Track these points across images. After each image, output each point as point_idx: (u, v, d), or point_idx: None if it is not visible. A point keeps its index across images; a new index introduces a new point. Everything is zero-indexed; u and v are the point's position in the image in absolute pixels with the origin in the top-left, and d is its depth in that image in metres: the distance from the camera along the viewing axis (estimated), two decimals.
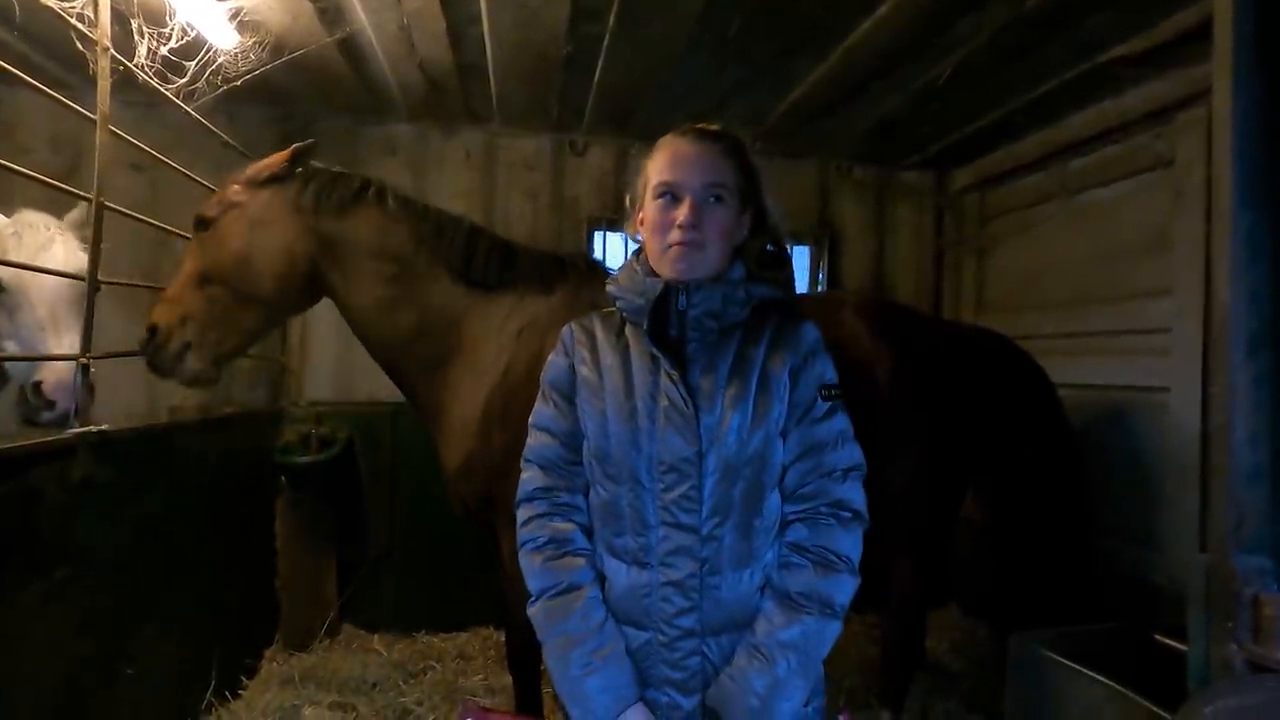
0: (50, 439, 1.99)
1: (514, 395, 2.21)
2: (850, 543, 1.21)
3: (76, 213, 2.64)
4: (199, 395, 3.82)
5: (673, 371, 1.21)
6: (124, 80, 2.33)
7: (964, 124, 3.89)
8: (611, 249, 4.46)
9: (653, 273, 1.28)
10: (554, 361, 1.35)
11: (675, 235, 1.22)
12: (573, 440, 1.30)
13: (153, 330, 2.27)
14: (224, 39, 2.71)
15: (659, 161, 1.27)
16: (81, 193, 2.19)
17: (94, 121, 2.12)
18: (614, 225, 4.39)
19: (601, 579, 1.25)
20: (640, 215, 1.32)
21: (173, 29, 2.48)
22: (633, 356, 1.27)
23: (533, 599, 1.24)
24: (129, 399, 3.70)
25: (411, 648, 3.62)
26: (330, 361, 4.02)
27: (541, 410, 1.34)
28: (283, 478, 3.56)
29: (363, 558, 3.81)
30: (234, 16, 2.63)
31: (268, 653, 3.44)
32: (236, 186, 2.37)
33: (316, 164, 2.45)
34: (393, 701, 3.02)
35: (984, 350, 3.00)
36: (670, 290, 1.24)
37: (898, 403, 2.48)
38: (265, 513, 3.52)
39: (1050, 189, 3.97)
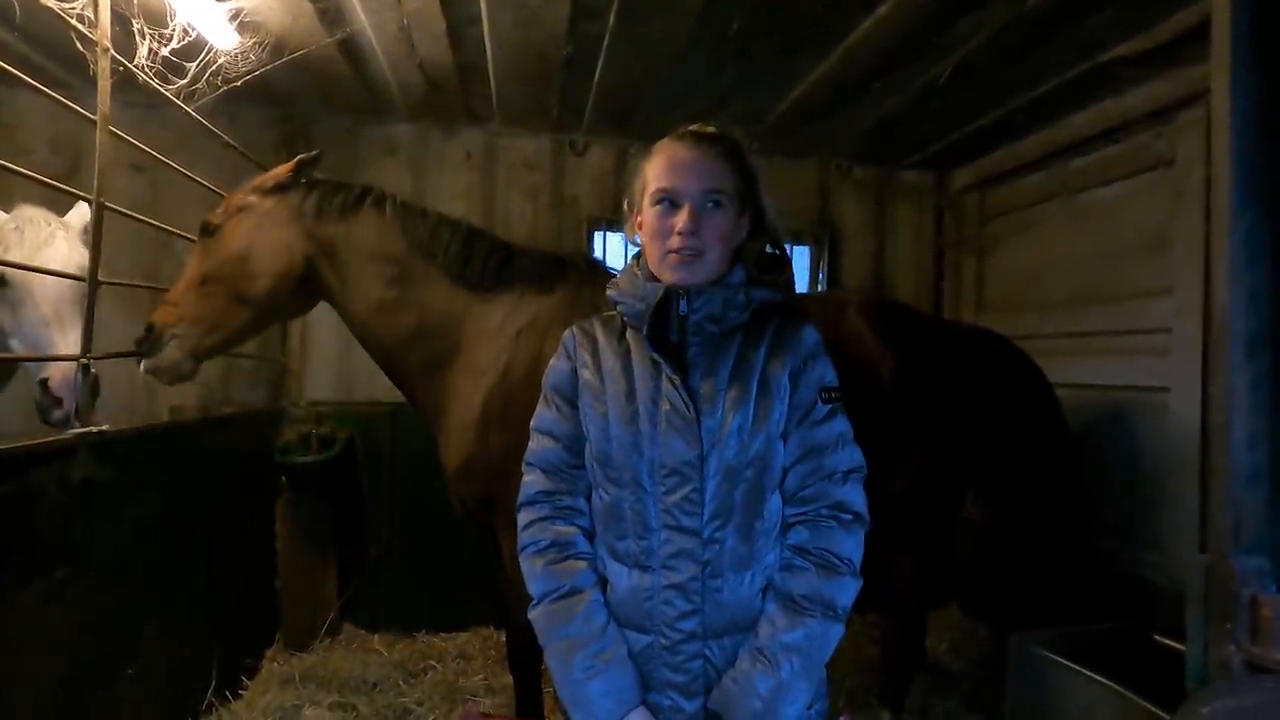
0: (50, 439, 1.99)
1: (513, 396, 2.22)
2: (852, 545, 1.21)
3: (76, 213, 2.64)
4: (200, 395, 3.83)
5: (674, 376, 1.21)
6: (124, 81, 2.33)
7: (964, 123, 3.89)
8: (612, 249, 4.46)
9: (653, 277, 1.28)
10: (556, 365, 1.35)
11: (674, 242, 1.22)
12: (575, 444, 1.30)
13: (149, 328, 2.32)
14: (224, 40, 2.71)
15: (656, 166, 1.27)
16: (82, 193, 2.20)
17: (94, 122, 2.12)
18: (614, 225, 4.39)
19: (603, 583, 1.25)
20: (638, 219, 1.31)
21: (173, 30, 2.48)
22: (634, 360, 1.27)
23: (534, 603, 1.24)
24: (129, 399, 3.71)
25: (412, 648, 3.62)
26: (330, 362, 4.02)
27: (543, 414, 1.34)
28: (283, 478, 3.56)
29: (363, 558, 3.82)
30: (234, 17, 2.63)
31: (268, 653, 3.44)
32: (242, 195, 2.42)
33: (320, 175, 2.49)
34: (393, 701, 3.02)
35: (984, 350, 3.00)
36: (670, 295, 1.24)
37: (900, 402, 2.48)
38: (265, 513, 3.53)
39: (1050, 189, 3.97)
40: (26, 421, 3.18)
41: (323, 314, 2.80)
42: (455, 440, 2.34)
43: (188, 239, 2.85)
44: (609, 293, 1.34)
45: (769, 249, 1.35)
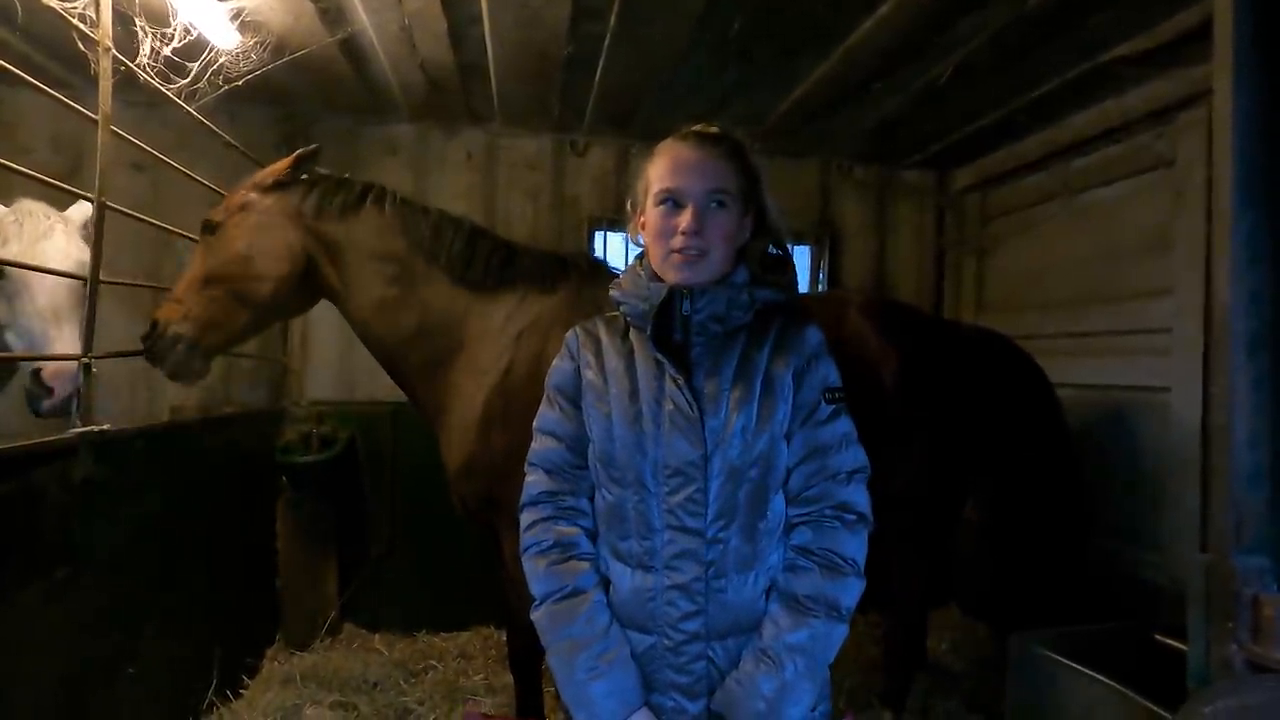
0: (51, 439, 1.99)
1: (515, 396, 2.22)
2: (855, 545, 1.21)
3: (77, 208, 2.64)
4: (200, 395, 3.83)
5: (677, 376, 1.21)
6: (125, 80, 2.33)
7: (965, 123, 3.89)
8: (612, 249, 4.47)
9: (656, 276, 1.27)
10: (559, 365, 1.35)
11: (678, 242, 1.22)
12: (578, 444, 1.30)
13: (153, 325, 2.32)
14: (225, 39, 2.71)
15: (660, 167, 1.26)
16: (83, 193, 2.20)
17: (95, 122, 2.12)
18: (615, 225, 4.39)
19: (606, 583, 1.25)
20: (642, 220, 1.31)
21: (174, 29, 2.48)
22: (637, 360, 1.27)
23: (537, 603, 1.24)
24: (130, 399, 3.71)
25: (412, 647, 3.62)
26: (331, 361, 4.03)
27: (546, 414, 1.34)
28: (284, 477, 3.57)
29: (364, 557, 3.82)
30: (235, 17, 2.63)
31: (269, 652, 3.44)
32: (243, 192, 2.41)
33: (321, 170, 2.48)
34: (394, 701, 3.02)
35: (986, 350, 3.00)
36: (674, 295, 1.24)
37: (902, 402, 2.48)
38: (266, 512, 3.53)
39: (1051, 189, 3.97)
40: (25, 421, 3.19)
41: (324, 313, 2.80)
42: (457, 439, 2.34)
43: (188, 238, 2.85)
44: (612, 293, 1.33)
45: (772, 249, 1.35)
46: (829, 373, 1.27)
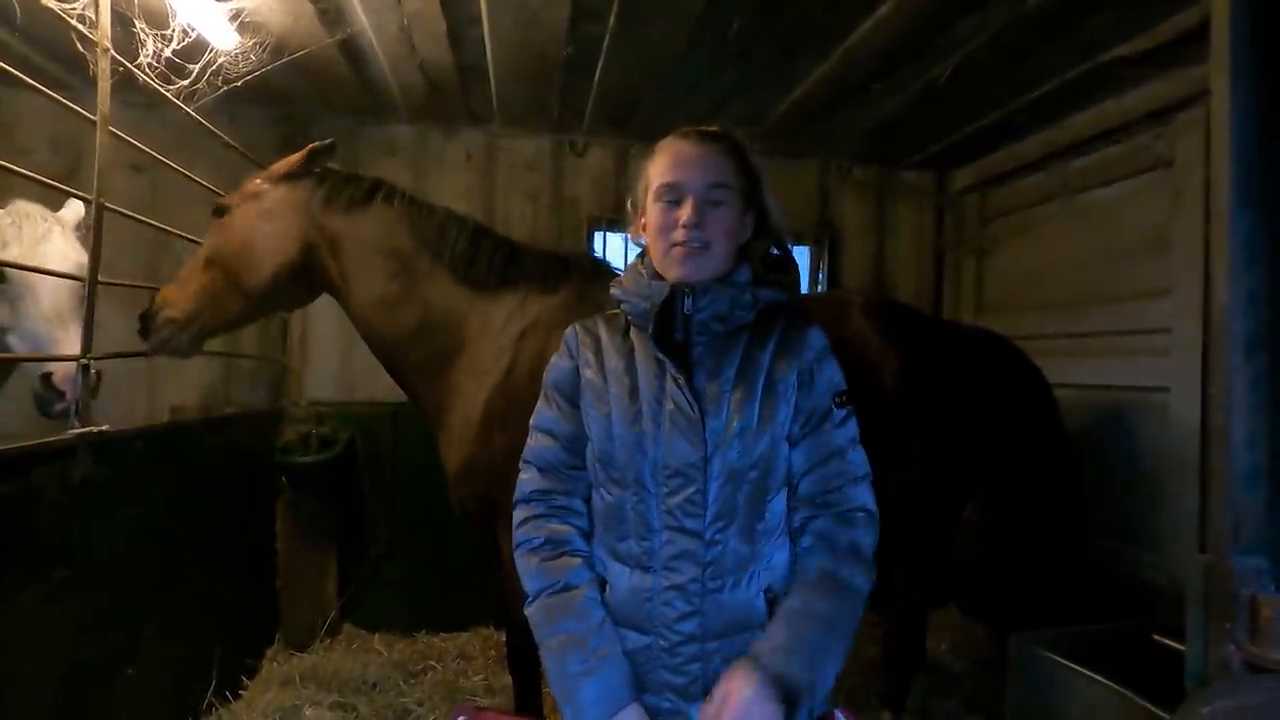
0: (51, 439, 1.99)
1: (517, 396, 2.21)
2: (871, 539, 1.24)
3: (71, 208, 2.65)
4: (200, 395, 3.84)
5: (678, 375, 1.21)
6: (124, 81, 2.33)
7: (964, 124, 3.90)
8: (612, 250, 4.47)
9: (658, 275, 1.27)
10: (557, 363, 1.34)
11: (679, 235, 1.21)
12: (574, 444, 1.29)
13: (151, 302, 2.39)
14: (224, 40, 2.71)
15: (660, 164, 1.26)
16: (82, 194, 2.20)
17: (94, 123, 2.12)
18: (614, 226, 4.39)
19: (601, 582, 1.25)
20: (643, 219, 1.31)
21: (173, 30, 2.48)
22: (638, 360, 1.26)
23: (530, 599, 1.24)
24: (130, 399, 3.71)
25: (412, 648, 3.62)
26: (331, 362, 4.03)
27: (543, 412, 1.33)
28: (283, 478, 3.57)
29: (363, 558, 3.82)
30: (235, 18, 2.63)
31: (268, 653, 3.44)
32: (257, 181, 2.44)
33: (333, 166, 2.52)
34: (393, 701, 3.02)
35: (985, 351, 3.00)
36: (676, 293, 1.23)
37: (903, 403, 2.48)
38: (266, 513, 3.53)
39: (1051, 189, 3.97)
40: (25, 420, 3.19)
41: (323, 314, 2.80)
42: (457, 440, 2.33)
43: (187, 239, 2.86)
44: (613, 291, 1.33)
45: (773, 250, 1.34)
46: (835, 375, 1.27)
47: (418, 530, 3.82)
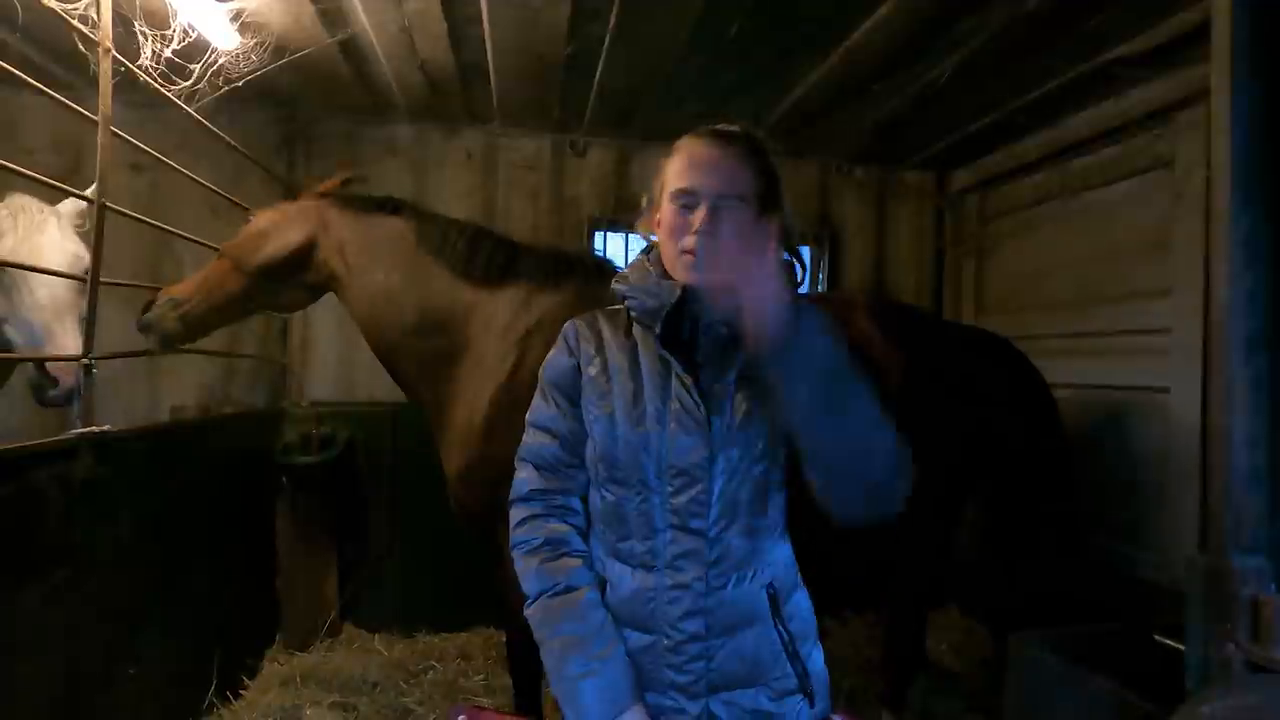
0: (51, 440, 2.00)
1: (521, 397, 2.20)
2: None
3: (66, 203, 2.65)
4: (200, 396, 3.84)
5: (685, 375, 1.20)
6: (126, 82, 2.33)
7: (965, 124, 3.89)
8: (612, 250, 4.47)
9: (666, 274, 1.25)
10: (556, 359, 1.32)
11: (689, 242, 1.20)
12: (573, 442, 1.28)
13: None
14: (226, 40, 2.71)
15: (677, 165, 1.23)
16: (83, 194, 2.20)
17: (96, 123, 2.12)
18: (615, 226, 4.40)
19: (600, 581, 1.24)
20: (657, 216, 1.28)
21: (174, 30, 2.48)
22: (642, 358, 1.25)
23: (530, 600, 1.23)
24: (130, 399, 3.72)
25: (412, 648, 3.62)
26: (331, 362, 4.03)
27: (541, 409, 1.31)
28: (284, 478, 3.56)
29: (363, 558, 3.82)
30: (236, 18, 2.64)
31: (269, 653, 3.44)
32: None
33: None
34: (394, 701, 3.02)
35: (986, 352, 3.00)
36: (687, 295, 1.22)
37: (908, 405, 2.48)
38: (266, 513, 3.53)
39: (1051, 189, 3.97)
40: (24, 419, 3.19)
41: (324, 314, 2.81)
42: (459, 441, 2.33)
43: (188, 239, 2.86)
44: (617, 286, 1.31)
45: (784, 255, 1.33)
46: None
47: (418, 530, 3.82)
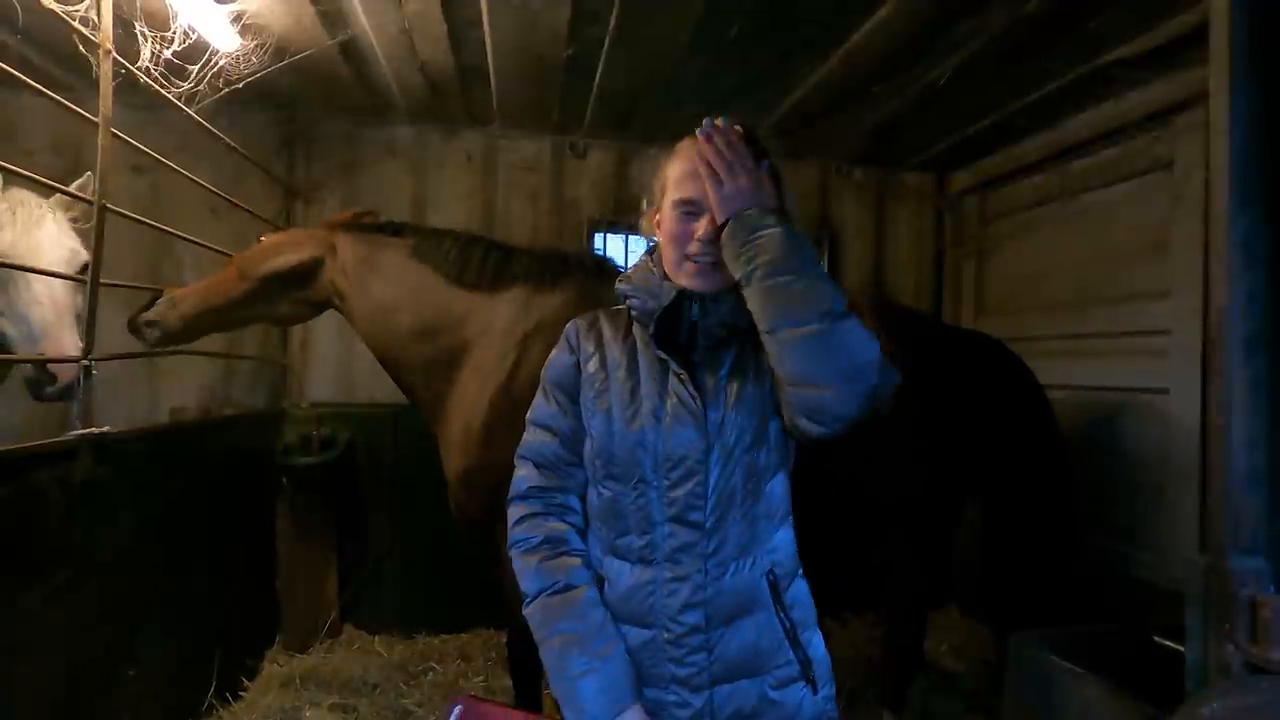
0: (51, 441, 2.00)
1: (521, 399, 2.20)
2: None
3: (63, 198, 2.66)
4: (200, 396, 3.84)
5: (681, 372, 1.21)
6: (126, 83, 2.33)
7: (964, 126, 3.90)
8: (612, 251, 4.47)
9: (668, 275, 1.27)
10: (556, 358, 1.34)
11: (693, 249, 1.21)
12: (572, 440, 1.29)
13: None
14: (226, 42, 2.71)
15: (679, 170, 1.23)
16: (83, 195, 2.20)
17: (96, 124, 2.13)
18: (615, 227, 4.40)
19: (599, 580, 1.25)
20: (657, 218, 1.29)
21: (175, 32, 2.49)
22: (640, 356, 1.27)
23: (529, 599, 1.24)
24: (130, 400, 3.72)
25: (412, 649, 3.62)
26: (331, 363, 4.03)
27: (542, 407, 1.33)
28: (284, 479, 3.56)
29: (363, 559, 3.82)
30: (236, 19, 2.64)
31: (268, 654, 3.44)
32: None
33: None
34: (393, 703, 3.02)
35: (983, 353, 3.01)
36: (683, 298, 1.24)
37: (912, 407, 2.49)
38: (266, 514, 3.53)
39: (1050, 191, 3.98)
40: (24, 419, 3.19)
41: (324, 316, 2.81)
42: (460, 444, 2.34)
43: (188, 240, 2.86)
44: (620, 286, 1.32)
45: None
46: None
47: (418, 531, 3.82)
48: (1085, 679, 1.74)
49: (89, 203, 2.16)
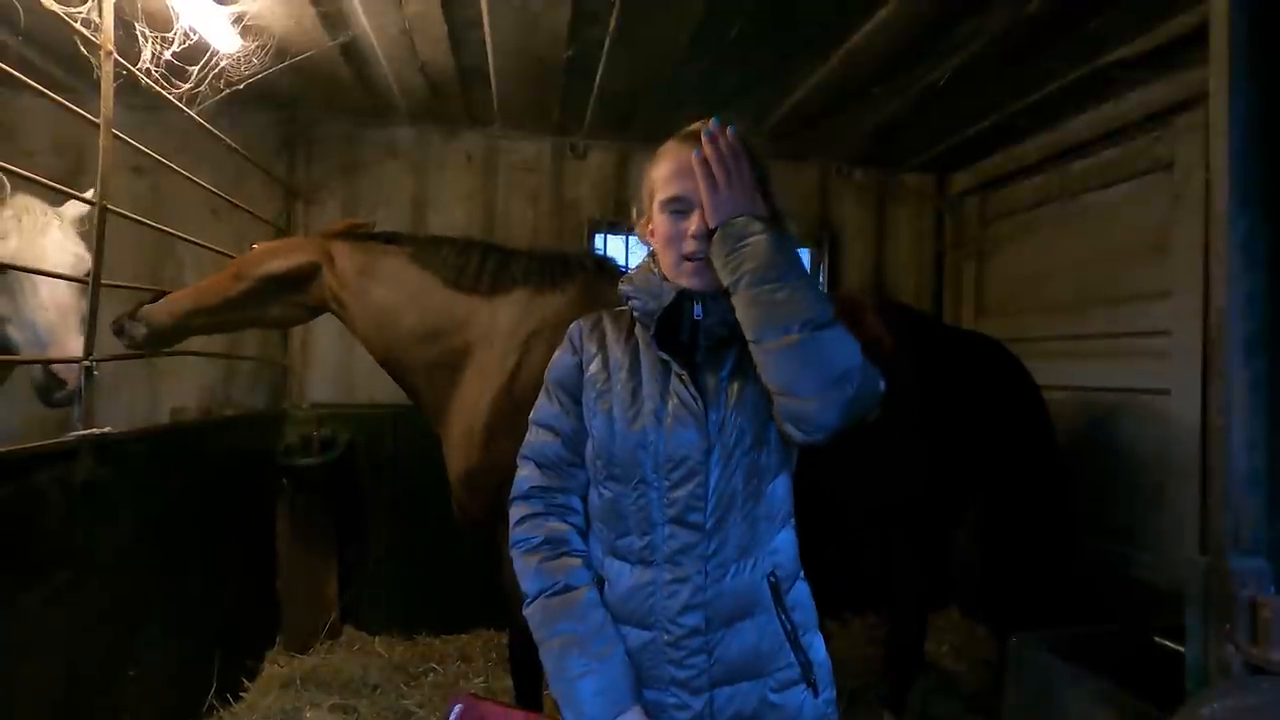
0: (52, 442, 2.00)
1: (523, 401, 2.21)
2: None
3: (69, 205, 2.66)
4: (201, 397, 3.84)
5: (682, 372, 1.21)
6: (127, 84, 2.34)
7: (965, 126, 3.90)
8: (613, 252, 4.47)
9: (667, 278, 1.27)
10: (560, 358, 1.34)
11: (688, 248, 1.21)
12: (575, 440, 1.29)
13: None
14: (227, 43, 2.72)
15: (663, 171, 1.24)
16: (84, 196, 2.20)
17: (97, 125, 2.13)
18: (615, 228, 4.40)
19: (599, 580, 1.25)
20: (650, 226, 1.30)
21: (176, 33, 2.49)
22: (643, 357, 1.27)
23: (529, 600, 1.24)
24: (131, 401, 3.72)
25: (412, 650, 3.63)
26: (332, 364, 4.03)
27: (545, 407, 1.33)
28: (284, 479, 3.57)
29: (364, 559, 3.82)
30: (237, 21, 2.64)
31: (269, 655, 3.45)
32: None
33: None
34: (394, 703, 3.02)
35: (983, 354, 3.01)
36: (684, 298, 1.24)
37: (915, 407, 2.49)
38: (266, 515, 3.53)
39: (1051, 192, 3.98)
40: (24, 419, 3.20)
41: (324, 316, 2.81)
42: (462, 445, 2.34)
43: (189, 241, 2.86)
44: (622, 287, 1.32)
45: None
46: None
47: (418, 532, 3.82)
48: (1085, 679, 1.74)
49: (90, 204, 2.17)
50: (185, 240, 2.85)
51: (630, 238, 4.43)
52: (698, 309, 1.24)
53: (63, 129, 3.55)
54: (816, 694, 1.21)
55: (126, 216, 2.38)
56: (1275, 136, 1.14)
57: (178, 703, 2.57)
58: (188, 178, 2.77)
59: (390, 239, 2.58)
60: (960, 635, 3.82)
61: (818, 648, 1.25)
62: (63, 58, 3.08)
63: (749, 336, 1.13)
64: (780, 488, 1.25)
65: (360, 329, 2.50)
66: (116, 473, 2.15)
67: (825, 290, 4.53)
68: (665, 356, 1.23)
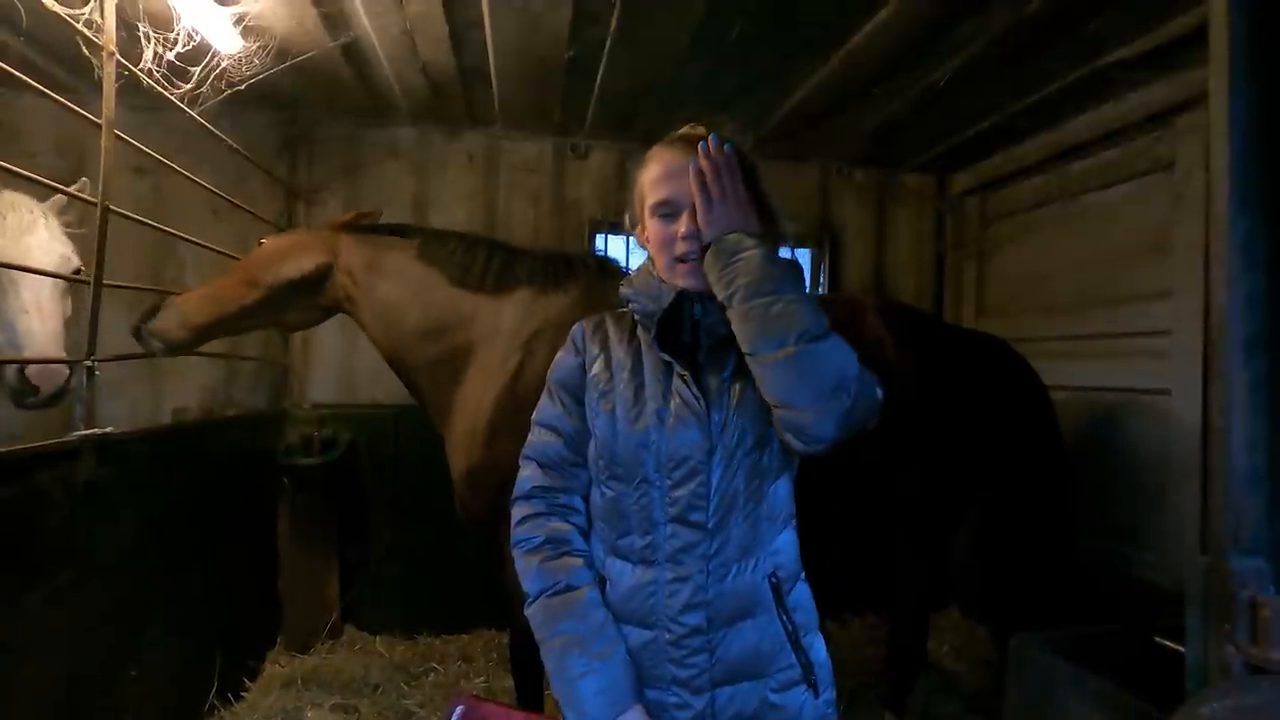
0: (54, 442, 2.00)
1: (525, 400, 2.21)
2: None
3: (57, 200, 2.63)
4: (202, 397, 3.85)
5: (685, 373, 1.22)
6: (128, 85, 2.34)
7: (965, 127, 3.90)
8: (614, 252, 4.48)
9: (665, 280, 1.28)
10: (563, 359, 1.35)
11: (680, 249, 1.22)
12: (577, 441, 1.30)
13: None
14: (228, 44, 2.72)
15: (652, 175, 1.27)
16: (86, 196, 2.21)
17: (99, 126, 2.13)
18: (616, 228, 4.40)
19: (600, 580, 1.25)
20: (643, 232, 1.31)
21: (178, 34, 2.49)
22: (645, 358, 1.27)
23: (530, 599, 1.24)
24: (132, 401, 3.72)
25: (413, 650, 3.63)
26: (333, 364, 4.04)
27: (548, 407, 1.34)
28: (285, 479, 3.57)
29: (365, 559, 3.83)
30: (238, 21, 2.65)
31: (270, 655, 3.45)
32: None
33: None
34: (395, 703, 3.03)
35: (988, 354, 3.00)
36: (683, 299, 1.25)
37: (917, 407, 2.49)
38: (268, 515, 3.54)
39: (1051, 192, 3.98)
40: (24, 420, 3.19)
41: None
42: (464, 444, 2.34)
43: (190, 242, 2.87)
44: (623, 290, 1.33)
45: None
46: None
47: (419, 532, 3.83)
48: (1086, 679, 1.74)
49: (91, 204, 2.17)
50: (187, 241, 2.85)
51: (631, 239, 4.43)
52: (697, 309, 1.25)
53: (65, 129, 3.55)
54: (817, 694, 1.21)
55: (128, 217, 2.39)
56: (1275, 137, 1.14)
57: (179, 702, 2.57)
58: (189, 178, 2.78)
59: (400, 232, 2.58)
60: (961, 635, 3.82)
61: (818, 648, 1.26)
62: (65, 58, 3.08)
63: (745, 350, 1.14)
64: (782, 489, 1.25)
65: (368, 324, 2.51)
66: (118, 473, 2.15)
67: (825, 291, 4.57)
68: (668, 358, 1.24)
